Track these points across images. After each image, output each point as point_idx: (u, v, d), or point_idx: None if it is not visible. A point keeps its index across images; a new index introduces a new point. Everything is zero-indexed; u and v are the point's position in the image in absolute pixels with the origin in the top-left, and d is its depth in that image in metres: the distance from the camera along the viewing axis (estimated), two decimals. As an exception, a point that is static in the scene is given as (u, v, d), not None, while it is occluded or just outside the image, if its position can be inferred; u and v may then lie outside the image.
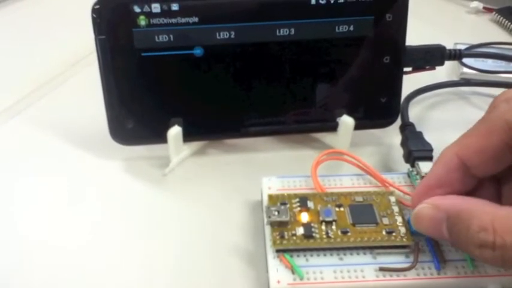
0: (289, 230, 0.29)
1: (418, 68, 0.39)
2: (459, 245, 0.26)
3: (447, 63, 0.40)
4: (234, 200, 0.35)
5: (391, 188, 0.33)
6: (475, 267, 0.28)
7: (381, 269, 0.28)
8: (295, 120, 0.39)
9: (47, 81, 0.48)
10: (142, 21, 0.35)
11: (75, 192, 0.36)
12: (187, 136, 0.37)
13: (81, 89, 0.46)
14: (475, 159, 0.27)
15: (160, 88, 0.37)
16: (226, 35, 0.36)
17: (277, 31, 0.36)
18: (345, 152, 0.35)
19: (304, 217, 0.30)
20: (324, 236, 0.29)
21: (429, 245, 0.29)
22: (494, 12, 0.60)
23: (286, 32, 0.36)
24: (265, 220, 0.30)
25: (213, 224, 0.34)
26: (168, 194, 0.36)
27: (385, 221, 0.30)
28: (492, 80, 0.46)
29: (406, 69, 0.39)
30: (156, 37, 0.35)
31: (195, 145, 0.39)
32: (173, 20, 0.35)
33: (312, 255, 0.29)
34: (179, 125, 0.37)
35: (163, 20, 0.35)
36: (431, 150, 0.35)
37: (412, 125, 0.38)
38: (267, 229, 0.30)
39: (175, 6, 0.34)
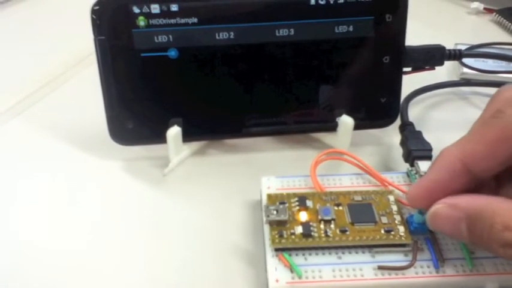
0: (288, 229, 0.29)
1: (417, 68, 0.39)
2: (480, 244, 0.26)
3: (447, 63, 0.40)
4: (233, 199, 0.35)
5: (390, 187, 0.33)
6: (473, 265, 0.28)
7: (380, 268, 0.28)
8: (294, 121, 0.39)
9: (48, 82, 0.48)
10: (141, 21, 0.35)
11: (75, 192, 0.36)
12: (187, 136, 0.37)
13: (82, 89, 0.46)
14: (481, 166, 0.27)
15: (160, 88, 0.37)
16: (226, 35, 0.36)
17: (277, 31, 0.36)
18: (344, 152, 0.35)
19: (303, 216, 0.30)
20: (323, 235, 0.29)
21: (428, 244, 0.29)
22: (494, 13, 0.60)
23: (286, 32, 0.36)
24: (264, 219, 0.30)
25: (212, 224, 0.34)
26: (168, 194, 0.36)
27: (384, 219, 0.30)
28: (492, 80, 0.46)
29: (405, 69, 0.39)
30: (156, 38, 0.35)
31: (195, 145, 0.39)
32: (172, 21, 0.35)
33: (310, 254, 0.29)
34: (179, 125, 0.37)
35: (162, 21, 0.35)
36: (430, 149, 0.35)
37: (411, 124, 0.38)
38: (266, 228, 0.30)
39: (174, 7, 0.35)
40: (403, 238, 0.29)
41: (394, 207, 0.30)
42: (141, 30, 0.35)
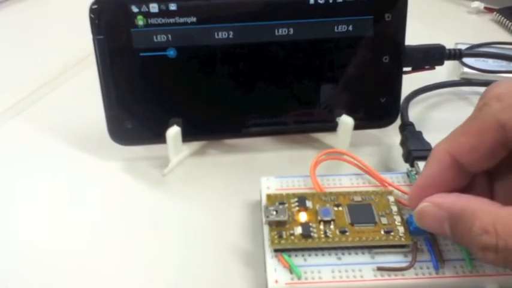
0: (288, 229, 0.29)
1: (417, 67, 0.39)
2: (462, 244, 0.27)
3: (448, 63, 0.40)
4: (233, 200, 0.35)
5: (390, 188, 0.32)
6: (473, 266, 0.28)
7: (379, 269, 0.28)
8: (294, 121, 0.39)
9: (47, 82, 0.48)
10: (140, 21, 0.35)
11: (74, 192, 0.36)
12: (187, 136, 0.37)
13: (81, 89, 0.46)
14: (467, 157, 0.27)
15: (159, 88, 0.37)
16: (225, 34, 0.36)
17: (276, 31, 0.36)
18: (344, 152, 0.35)
19: (303, 217, 0.30)
20: (322, 236, 0.29)
21: (428, 245, 0.29)
22: (495, 13, 0.59)
23: (285, 32, 0.36)
24: (264, 220, 0.30)
25: (212, 224, 0.34)
26: (168, 194, 0.36)
27: (384, 220, 0.30)
28: (493, 80, 0.46)
29: (405, 69, 0.38)
30: (155, 37, 0.35)
31: (195, 145, 0.39)
32: (171, 20, 0.35)
33: (310, 255, 0.29)
34: (178, 125, 0.37)
35: (161, 20, 0.35)
36: (430, 149, 0.34)
37: (411, 124, 0.38)
38: (265, 229, 0.30)
39: (173, 6, 0.34)
40: (402, 239, 0.29)
41: (394, 208, 0.30)
42: (140, 30, 0.35)
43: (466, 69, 0.47)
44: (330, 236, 0.29)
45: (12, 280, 0.30)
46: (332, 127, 0.38)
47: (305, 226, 0.29)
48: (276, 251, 0.29)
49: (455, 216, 0.26)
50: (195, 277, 0.30)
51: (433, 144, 0.34)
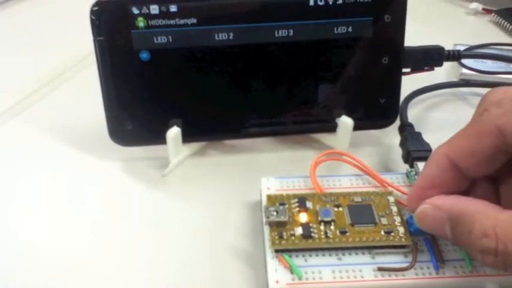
0: (288, 230, 0.29)
1: (416, 68, 0.39)
2: (461, 246, 0.27)
3: (447, 64, 0.40)
4: (233, 200, 0.35)
5: (390, 188, 0.33)
6: (473, 267, 0.28)
7: (380, 269, 0.28)
8: (294, 121, 0.39)
9: (47, 82, 0.48)
10: (140, 22, 0.35)
11: (74, 193, 0.36)
12: (187, 137, 0.37)
13: (81, 90, 0.46)
14: (465, 161, 0.27)
15: (159, 89, 0.37)
16: (225, 36, 0.36)
17: (276, 32, 0.36)
18: (344, 153, 0.35)
19: (303, 217, 0.30)
20: (323, 236, 0.29)
21: (428, 245, 0.29)
22: (493, 14, 0.60)
23: (285, 33, 0.36)
24: (264, 220, 0.30)
25: (212, 225, 0.34)
26: (168, 194, 0.36)
27: (384, 221, 0.30)
28: (491, 81, 0.46)
29: (405, 69, 0.39)
30: (155, 38, 0.35)
31: (195, 146, 0.39)
32: (171, 22, 0.35)
33: (310, 255, 0.29)
34: (178, 125, 0.37)
35: (161, 22, 0.35)
36: (430, 150, 0.35)
37: (411, 125, 0.38)
38: (266, 229, 0.30)
39: (173, 8, 0.34)
40: (403, 239, 0.29)
41: (394, 208, 0.30)
42: (140, 31, 0.35)
43: (464, 70, 0.47)
44: (331, 236, 0.29)
45: (12, 280, 0.30)
46: (332, 128, 0.38)
47: (305, 226, 0.29)
48: (276, 251, 0.29)
49: (455, 218, 0.26)
50: (195, 277, 0.30)
51: (432, 145, 0.35)
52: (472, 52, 0.49)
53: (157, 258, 0.32)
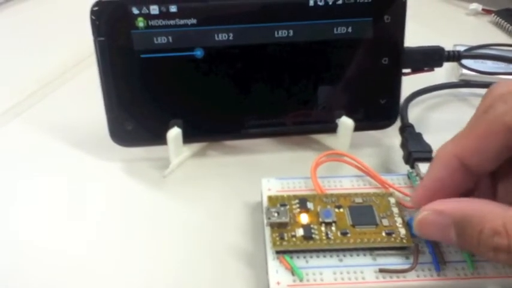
0: (289, 231, 0.29)
1: (417, 69, 0.39)
2: (470, 248, 0.26)
3: (447, 64, 0.40)
4: (234, 201, 0.35)
5: (391, 189, 0.33)
6: (474, 268, 0.28)
7: (381, 271, 0.28)
8: (294, 122, 0.39)
9: (48, 83, 0.48)
10: (140, 22, 0.35)
11: (75, 193, 0.36)
12: (187, 138, 0.37)
13: (81, 90, 0.46)
14: (475, 160, 0.27)
15: (160, 89, 0.37)
16: (225, 36, 0.36)
17: (276, 33, 0.36)
18: (344, 154, 0.35)
19: (304, 218, 0.30)
20: (324, 237, 0.29)
21: (429, 247, 0.29)
22: (493, 14, 0.60)
23: (285, 33, 0.36)
24: (265, 221, 0.30)
25: (213, 226, 0.34)
26: (168, 195, 0.36)
27: (385, 222, 0.30)
28: (491, 82, 0.46)
29: (405, 70, 0.39)
30: (155, 39, 0.35)
31: (195, 147, 0.39)
32: (172, 22, 0.35)
33: (311, 257, 0.29)
34: (179, 126, 0.37)
35: (161, 22, 0.35)
36: (430, 151, 0.35)
37: (411, 126, 0.38)
38: (267, 230, 0.30)
39: (173, 8, 0.34)
40: (404, 241, 0.29)
41: (395, 210, 0.30)
42: (140, 31, 0.35)
43: (464, 71, 0.47)
44: (332, 237, 0.29)
45: (12, 280, 0.30)
46: (332, 128, 0.38)
47: (306, 228, 0.29)
48: (277, 252, 0.29)
49: (461, 221, 0.25)
50: (195, 279, 0.30)
51: (433, 146, 0.35)
52: (472, 53, 0.49)
53: (157, 258, 0.32)
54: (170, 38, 0.35)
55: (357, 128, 0.38)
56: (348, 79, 0.38)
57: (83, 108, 0.43)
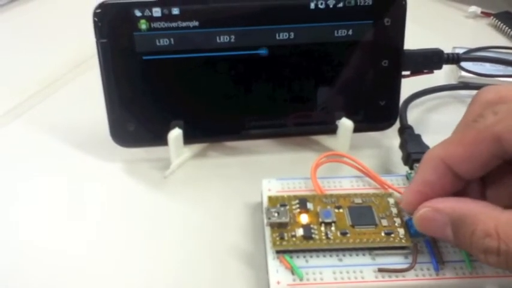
0: (289, 231, 0.29)
1: (416, 71, 0.39)
2: (463, 248, 0.27)
3: (446, 66, 0.40)
4: (234, 201, 0.35)
5: (390, 190, 0.33)
6: (473, 268, 0.28)
7: (380, 270, 0.28)
8: (295, 123, 0.39)
9: (49, 84, 0.48)
10: (143, 25, 0.35)
11: (75, 193, 0.36)
12: (188, 138, 0.38)
13: (83, 91, 0.46)
14: (463, 167, 0.27)
15: (161, 91, 0.37)
16: (227, 39, 0.36)
17: (277, 35, 0.36)
18: (344, 155, 0.35)
19: (304, 218, 0.30)
20: (324, 237, 0.29)
21: (428, 246, 0.29)
22: (492, 17, 0.60)
23: (286, 36, 0.36)
24: (265, 221, 0.30)
25: (213, 226, 0.34)
26: (169, 196, 0.36)
27: (384, 222, 0.30)
28: (490, 84, 0.46)
29: (404, 72, 0.39)
30: (157, 41, 0.35)
31: (196, 147, 0.39)
32: (174, 24, 0.35)
33: (311, 256, 0.29)
34: (180, 127, 0.37)
35: (164, 24, 0.35)
36: (429, 152, 0.35)
37: (410, 127, 0.39)
38: (267, 230, 0.30)
39: (175, 11, 0.35)
40: (403, 241, 0.29)
41: (394, 210, 0.31)
42: (142, 33, 0.35)
43: (463, 73, 0.48)
44: (331, 237, 0.29)
45: (12, 280, 0.31)
46: (332, 130, 0.39)
47: (306, 228, 0.29)
48: (277, 252, 0.29)
49: (457, 220, 0.26)
50: (196, 279, 0.31)
51: (431, 147, 0.35)
52: (471, 55, 0.49)
53: (158, 259, 0.32)
54: (172, 40, 0.35)
55: (357, 129, 0.38)
56: (348, 81, 0.38)
57: (84, 109, 0.43)
